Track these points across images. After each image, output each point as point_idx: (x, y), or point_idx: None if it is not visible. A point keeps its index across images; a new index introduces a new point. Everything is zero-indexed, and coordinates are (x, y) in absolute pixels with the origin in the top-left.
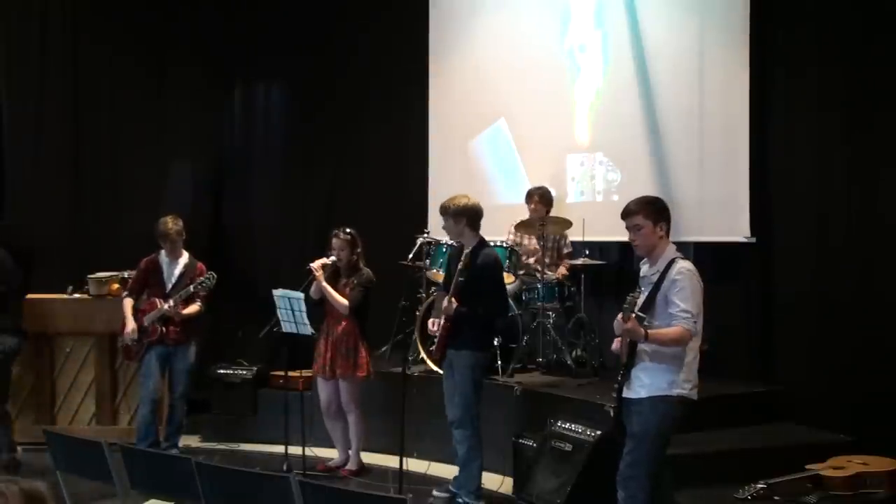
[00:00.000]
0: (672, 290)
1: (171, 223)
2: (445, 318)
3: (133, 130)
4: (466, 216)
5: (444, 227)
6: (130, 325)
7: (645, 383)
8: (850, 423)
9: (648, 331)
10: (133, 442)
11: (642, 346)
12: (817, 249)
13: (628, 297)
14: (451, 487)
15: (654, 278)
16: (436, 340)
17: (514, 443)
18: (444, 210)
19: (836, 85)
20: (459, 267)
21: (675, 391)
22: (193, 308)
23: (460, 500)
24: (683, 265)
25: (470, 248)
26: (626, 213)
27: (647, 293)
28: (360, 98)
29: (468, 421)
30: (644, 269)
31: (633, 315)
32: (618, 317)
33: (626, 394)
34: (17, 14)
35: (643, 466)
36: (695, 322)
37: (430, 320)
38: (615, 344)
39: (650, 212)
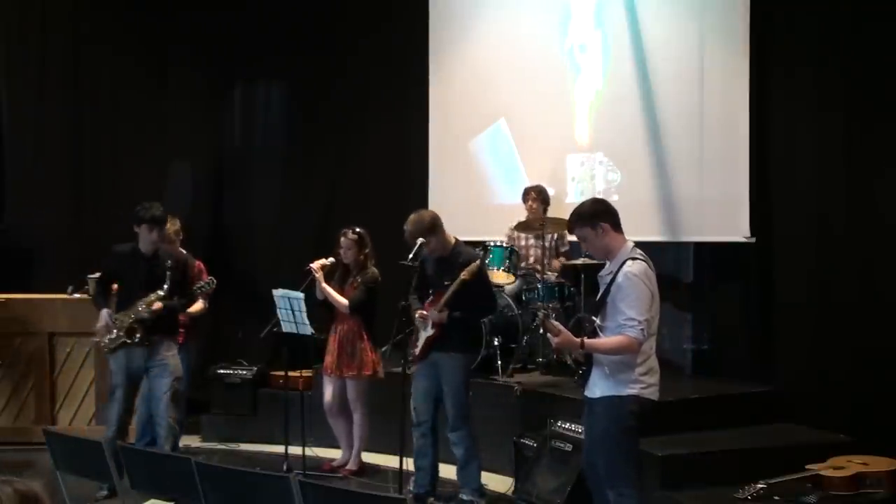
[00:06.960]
0: (618, 296)
1: (168, 222)
2: (434, 325)
3: (133, 130)
4: (430, 229)
5: (430, 247)
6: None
7: (599, 382)
8: (850, 423)
9: (585, 341)
10: (132, 442)
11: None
12: (817, 249)
13: (540, 313)
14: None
15: (608, 279)
16: (419, 345)
17: (514, 443)
18: (411, 235)
19: (836, 85)
20: (463, 276)
21: (628, 391)
22: (198, 306)
23: (464, 497)
24: (632, 268)
25: (449, 253)
26: (569, 231)
27: (601, 293)
28: (360, 98)
29: (463, 422)
30: (606, 266)
31: (554, 326)
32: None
33: (585, 392)
34: (18, 14)
35: (614, 469)
36: (642, 329)
37: (420, 313)
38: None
39: (583, 220)
